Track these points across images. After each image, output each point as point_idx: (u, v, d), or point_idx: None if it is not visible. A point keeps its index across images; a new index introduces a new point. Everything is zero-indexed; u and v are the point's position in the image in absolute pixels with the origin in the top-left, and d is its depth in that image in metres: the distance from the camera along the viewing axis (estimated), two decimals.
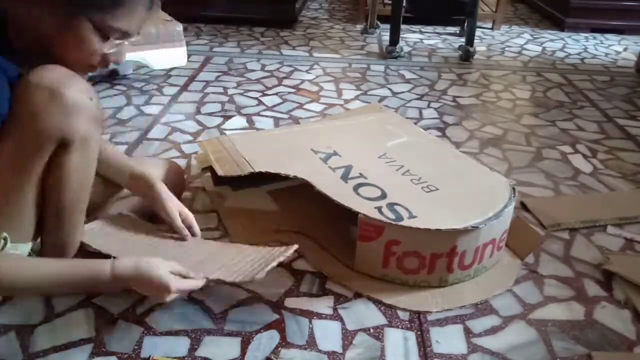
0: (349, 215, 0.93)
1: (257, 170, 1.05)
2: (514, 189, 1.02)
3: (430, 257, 0.92)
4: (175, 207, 0.94)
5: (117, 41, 0.74)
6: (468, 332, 0.87)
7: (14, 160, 0.71)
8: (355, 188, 1.01)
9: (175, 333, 0.85)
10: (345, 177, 1.05)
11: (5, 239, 0.73)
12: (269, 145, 1.20)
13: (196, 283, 0.81)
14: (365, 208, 0.93)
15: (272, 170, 1.05)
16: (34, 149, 0.71)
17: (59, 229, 0.80)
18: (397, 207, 0.95)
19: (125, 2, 0.70)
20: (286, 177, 1.04)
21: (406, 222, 0.91)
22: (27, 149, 0.70)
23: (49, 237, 0.81)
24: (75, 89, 0.70)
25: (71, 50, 0.71)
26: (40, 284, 0.75)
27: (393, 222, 0.90)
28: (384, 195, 0.99)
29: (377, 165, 1.11)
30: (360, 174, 1.06)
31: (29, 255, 0.79)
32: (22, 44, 0.70)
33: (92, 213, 0.93)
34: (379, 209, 0.94)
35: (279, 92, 1.88)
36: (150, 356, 0.80)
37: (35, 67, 0.70)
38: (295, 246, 0.90)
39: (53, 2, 0.66)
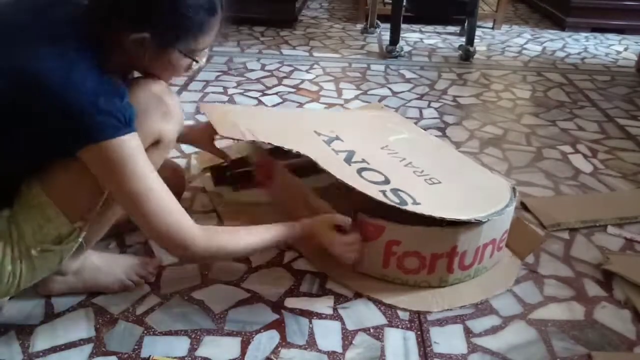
0: (349, 210, 0.92)
1: (259, 139, 1.02)
2: (514, 189, 1.02)
3: (431, 257, 0.92)
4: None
5: (203, 54, 0.83)
6: (468, 332, 0.87)
7: None
8: (359, 171, 0.99)
9: (175, 333, 0.85)
10: (348, 160, 1.03)
11: (80, 228, 0.78)
12: (272, 121, 1.17)
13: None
14: (369, 189, 0.92)
15: (275, 144, 1.01)
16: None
17: (97, 223, 0.83)
18: (400, 193, 0.93)
19: (206, 27, 0.77)
20: (289, 152, 0.99)
21: (410, 208, 0.89)
22: None
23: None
24: (174, 99, 0.82)
25: (163, 72, 0.81)
26: (251, 252, 0.90)
27: (394, 222, 0.90)
28: (387, 181, 0.97)
29: (380, 155, 1.09)
30: (363, 159, 1.04)
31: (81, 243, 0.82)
32: (118, 66, 0.77)
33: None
34: (384, 192, 0.92)
35: (279, 92, 1.88)
36: (150, 356, 0.80)
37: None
38: None
39: (143, 41, 0.72)
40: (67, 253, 0.79)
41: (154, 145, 0.80)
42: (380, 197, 0.91)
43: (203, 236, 0.78)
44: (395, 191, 0.94)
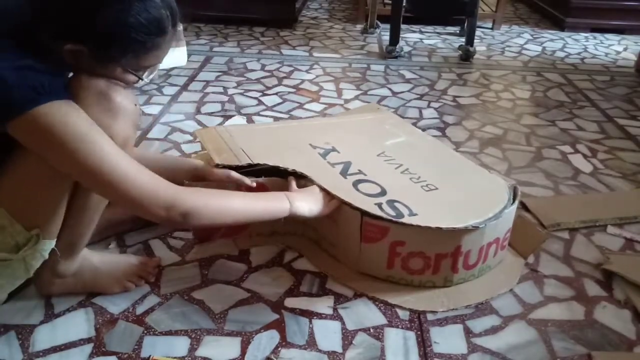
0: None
1: (255, 162, 1.04)
2: (516, 187, 1.02)
3: (435, 258, 0.92)
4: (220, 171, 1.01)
5: (152, 69, 0.78)
6: (468, 332, 0.87)
7: None
8: (355, 184, 1.01)
9: (175, 333, 0.85)
10: (344, 173, 1.04)
11: (37, 235, 0.75)
12: (266, 139, 1.17)
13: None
14: (365, 204, 0.93)
15: (271, 163, 1.03)
16: None
17: (76, 227, 0.82)
18: (397, 204, 0.95)
19: (152, 47, 0.72)
20: (285, 172, 1.02)
21: (407, 220, 0.91)
22: None
23: (64, 234, 0.82)
24: (122, 94, 0.74)
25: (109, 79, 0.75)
26: (244, 218, 0.85)
27: (398, 222, 0.90)
28: (383, 192, 0.99)
29: (376, 163, 1.10)
30: (360, 170, 1.06)
31: (52, 250, 0.80)
32: (59, 63, 0.72)
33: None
34: (379, 205, 0.94)
35: (279, 92, 1.88)
36: (150, 356, 0.80)
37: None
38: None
39: (80, 53, 0.68)
40: (33, 260, 0.78)
41: None
42: (376, 210, 0.92)
43: (187, 191, 0.72)
44: (391, 203, 0.95)
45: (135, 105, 0.77)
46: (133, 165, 0.70)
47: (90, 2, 0.67)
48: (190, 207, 0.73)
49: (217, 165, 1.03)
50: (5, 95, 0.64)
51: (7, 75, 0.64)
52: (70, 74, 0.75)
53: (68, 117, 0.66)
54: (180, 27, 1.89)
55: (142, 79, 0.76)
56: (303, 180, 1.00)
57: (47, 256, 0.80)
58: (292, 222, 1.07)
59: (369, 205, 0.93)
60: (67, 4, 0.67)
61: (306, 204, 0.90)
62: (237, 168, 1.02)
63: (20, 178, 0.72)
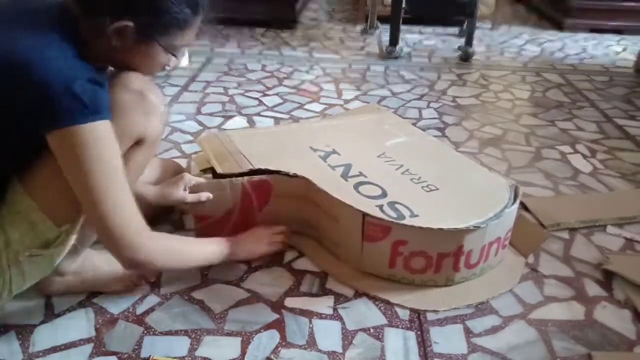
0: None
1: (256, 167, 1.05)
2: (517, 187, 1.02)
3: (437, 257, 0.92)
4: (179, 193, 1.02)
5: (180, 52, 0.80)
6: (468, 332, 0.87)
7: None
8: (356, 186, 1.01)
9: (175, 333, 0.85)
10: (345, 176, 1.05)
11: (67, 231, 0.77)
12: (267, 143, 1.19)
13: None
14: (366, 206, 0.93)
15: (272, 168, 1.04)
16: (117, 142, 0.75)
17: (86, 226, 0.82)
18: (398, 206, 0.95)
19: (188, 24, 0.75)
20: (286, 175, 1.04)
21: (408, 221, 0.91)
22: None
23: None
24: (156, 95, 0.79)
25: (143, 65, 0.78)
26: (185, 265, 0.90)
27: (400, 222, 0.90)
28: (384, 194, 0.99)
29: (377, 164, 1.10)
30: (360, 172, 1.06)
31: (74, 245, 0.82)
32: (96, 57, 0.74)
33: None
34: (380, 207, 0.94)
35: (279, 93, 1.88)
36: (150, 356, 0.80)
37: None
38: None
39: (125, 30, 0.70)
40: (58, 256, 0.79)
41: (137, 144, 0.79)
42: (377, 212, 0.92)
43: (154, 237, 0.76)
44: (392, 204, 0.95)
45: (165, 104, 0.81)
46: (124, 201, 0.72)
47: None
48: (145, 259, 0.76)
49: (219, 175, 1.04)
50: (60, 102, 0.65)
51: (72, 80, 0.65)
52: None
53: (103, 143, 0.69)
54: None
55: (176, 57, 0.79)
56: (303, 181, 1.01)
57: (67, 251, 0.80)
58: (295, 221, 1.07)
59: (370, 207, 0.94)
60: None
61: (242, 250, 0.95)
62: (239, 175, 1.03)
63: (51, 175, 0.73)
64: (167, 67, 0.80)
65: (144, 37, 0.73)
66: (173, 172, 1.09)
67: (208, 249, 0.90)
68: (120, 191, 0.72)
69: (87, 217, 0.75)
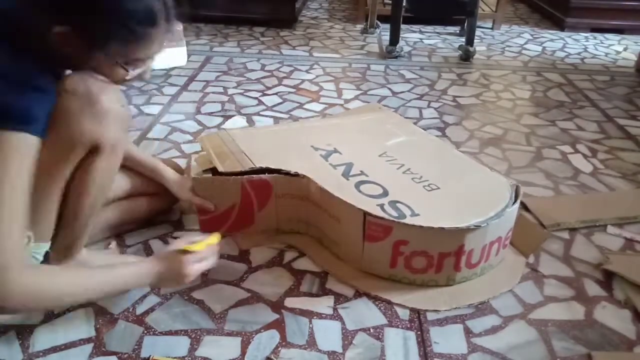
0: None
1: (257, 165, 1.05)
2: (518, 187, 1.02)
3: (438, 256, 0.92)
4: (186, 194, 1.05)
5: (142, 64, 0.75)
6: (468, 332, 0.87)
7: (46, 164, 0.71)
8: (357, 185, 1.01)
9: (175, 333, 0.85)
10: (346, 175, 1.05)
11: (29, 237, 0.75)
12: (269, 141, 1.19)
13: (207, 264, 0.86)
14: (367, 205, 0.93)
15: (273, 166, 1.04)
16: (66, 152, 0.72)
17: (71, 230, 0.82)
18: (399, 205, 0.95)
19: (142, 36, 0.69)
20: (287, 174, 1.04)
21: (409, 220, 0.91)
22: (60, 153, 0.71)
23: (60, 238, 0.82)
24: (109, 97, 0.72)
25: (98, 73, 0.73)
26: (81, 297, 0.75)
27: (401, 222, 0.90)
28: (385, 193, 0.99)
29: (378, 164, 1.10)
30: (361, 171, 1.06)
31: (46, 253, 0.81)
32: (45, 63, 0.70)
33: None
34: (381, 206, 0.94)
35: (279, 92, 1.88)
36: (150, 356, 0.80)
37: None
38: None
39: (67, 35, 0.66)
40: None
41: (93, 153, 0.73)
42: (378, 211, 0.92)
43: (23, 277, 0.64)
44: (393, 203, 0.95)
45: (123, 106, 0.75)
46: (7, 226, 0.63)
47: None
48: (17, 301, 0.65)
49: (221, 174, 1.04)
50: None
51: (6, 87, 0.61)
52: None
53: (11, 154, 0.62)
54: (180, 26, 1.89)
55: (128, 72, 0.73)
56: (305, 180, 1.01)
57: (41, 259, 0.80)
58: (295, 221, 1.08)
59: (371, 206, 0.93)
60: None
61: (161, 280, 0.81)
62: (240, 173, 1.03)
63: None
64: (128, 78, 0.75)
65: (89, 47, 0.68)
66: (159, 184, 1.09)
67: (116, 281, 0.76)
68: (7, 213, 0.63)
69: None
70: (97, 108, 0.71)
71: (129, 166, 1.02)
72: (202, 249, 0.84)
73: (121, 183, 1.02)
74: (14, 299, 0.64)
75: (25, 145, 0.64)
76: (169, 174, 1.07)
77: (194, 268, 0.83)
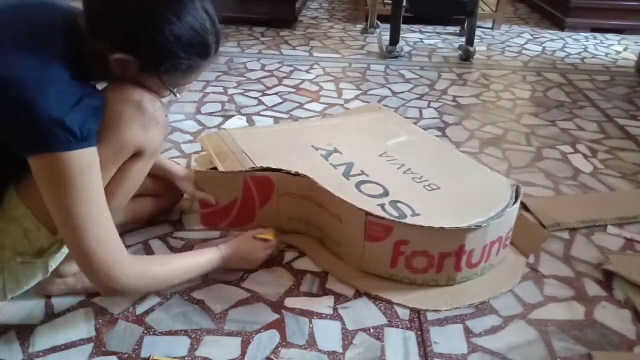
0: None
1: (258, 165, 1.05)
2: (518, 187, 1.02)
3: (439, 256, 0.92)
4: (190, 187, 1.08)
5: (184, 87, 0.80)
6: (468, 332, 0.87)
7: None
8: (357, 185, 1.01)
9: (175, 333, 0.85)
10: (347, 175, 1.05)
11: (60, 240, 0.76)
12: (269, 141, 1.19)
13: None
14: (368, 205, 0.93)
15: (274, 166, 1.04)
16: (114, 154, 0.75)
17: None
18: (399, 205, 0.95)
19: (195, 68, 0.75)
20: (288, 173, 1.04)
21: (409, 220, 0.91)
22: (108, 155, 0.73)
23: None
24: (156, 107, 0.77)
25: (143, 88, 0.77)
26: (165, 286, 0.89)
27: (402, 222, 0.90)
28: (386, 193, 0.99)
29: (378, 164, 1.10)
30: (362, 171, 1.06)
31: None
32: (96, 76, 0.75)
33: None
34: (382, 206, 0.94)
35: (279, 92, 1.88)
36: (150, 356, 0.80)
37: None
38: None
39: (126, 63, 0.70)
40: (53, 262, 0.79)
41: (135, 155, 0.78)
42: (379, 211, 0.92)
43: (131, 265, 0.75)
44: (394, 203, 0.95)
45: (166, 116, 0.81)
46: (103, 231, 0.72)
47: (154, 17, 0.68)
48: (122, 287, 0.75)
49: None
50: (43, 128, 0.64)
51: (51, 108, 0.64)
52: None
53: (84, 168, 0.68)
54: None
55: (176, 96, 0.80)
56: (306, 180, 1.01)
57: (64, 255, 0.81)
58: (296, 220, 1.08)
59: (371, 206, 0.94)
60: (131, 16, 0.68)
61: (233, 264, 0.95)
62: (241, 172, 1.04)
63: None
64: (163, 98, 0.80)
65: (145, 72, 0.73)
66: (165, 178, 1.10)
67: (195, 265, 0.88)
68: (99, 217, 0.71)
69: (66, 242, 0.74)
70: (146, 117, 0.75)
71: None
72: (273, 239, 1.00)
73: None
74: (127, 286, 0.76)
75: (95, 157, 0.69)
76: (175, 167, 1.08)
77: (265, 253, 0.98)
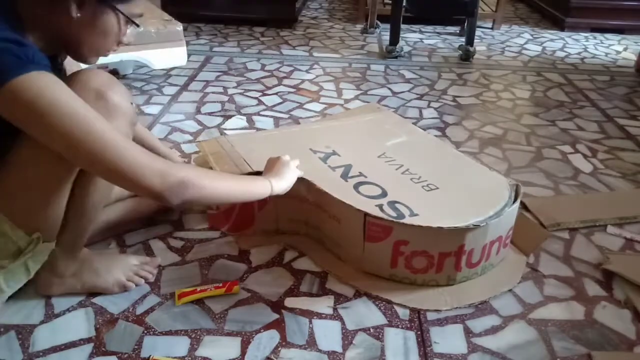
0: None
1: (255, 169, 1.05)
2: (518, 186, 1.02)
3: (439, 256, 0.92)
4: None
5: (131, 24, 0.76)
6: (468, 332, 0.87)
7: (54, 160, 0.70)
8: (356, 186, 1.01)
9: (175, 333, 0.85)
10: (345, 176, 1.05)
11: (38, 238, 0.75)
12: (267, 145, 1.19)
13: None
14: (366, 206, 0.94)
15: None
16: None
17: (75, 228, 0.83)
18: (398, 205, 0.95)
19: None
20: None
21: (408, 220, 0.91)
22: None
23: (64, 235, 0.82)
24: (119, 93, 0.74)
25: (94, 39, 0.73)
26: (232, 196, 0.83)
27: (401, 222, 0.90)
28: (384, 194, 0.99)
29: (377, 165, 1.11)
30: (360, 172, 1.06)
31: (51, 252, 0.81)
32: (37, 34, 0.70)
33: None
34: (380, 206, 0.94)
35: (279, 92, 1.88)
36: (150, 356, 0.80)
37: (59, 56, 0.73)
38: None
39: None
40: (34, 263, 0.78)
41: None
42: (377, 212, 0.92)
43: (178, 164, 0.74)
44: (392, 204, 0.96)
45: (131, 103, 0.78)
46: (122, 137, 0.67)
47: None
48: (184, 176, 0.69)
49: None
50: None
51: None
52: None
53: (54, 86, 0.62)
54: (180, 26, 1.89)
55: (138, 26, 0.74)
56: (304, 182, 1.01)
57: (46, 257, 0.80)
58: (295, 222, 1.08)
59: (370, 207, 0.94)
60: None
61: (283, 181, 0.91)
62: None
63: (17, 183, 0.72)
64: (122, 41, 0.75)
65: (104, 4, 0.69)
66: None
67: (246, 182, 0.85)
68: (110, 129, 0.65)
69: (99, 175, 0.69)
70: (107, 103, 0.72)
71: None
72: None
73: None
74: (193, 186, 0.70)
75: (53, 77, 0.64)
76: (176, 159, 1.10)
77: (292, 162, 0.95)
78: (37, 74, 0.62)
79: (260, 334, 0.85)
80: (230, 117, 1.66)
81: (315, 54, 2.34)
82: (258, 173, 1.03)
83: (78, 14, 0.68)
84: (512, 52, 2.53)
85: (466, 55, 2.32)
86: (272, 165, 0.94)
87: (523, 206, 1.22)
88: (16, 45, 0.62)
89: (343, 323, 0.88)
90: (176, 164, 0.75)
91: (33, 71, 0.62)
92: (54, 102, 0.62)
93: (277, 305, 0.91)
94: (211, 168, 1.09)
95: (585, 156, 1.51)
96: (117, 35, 0.74)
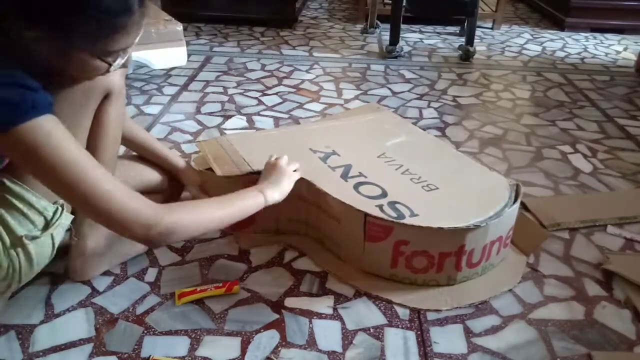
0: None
1: (255, 169, 1.05)
2: (518, 186, 1.02)
3: (439, 256, 0.92)
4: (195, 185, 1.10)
5: (123, 53, 0.74)
6: (468, 332, 0.87)
7: (68, 117, 0.74)
8: (356, 187, 1.01)
9: (175, 333, 0.85)
10: (345, 176, 1.05)
11: (62, 205, 0.78)
12: (267, 145, 1.19)
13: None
14: (366, 206, 0.94)
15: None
16: (85, 101, 0.78)
17: None
18: (398, 206, 0.95)
19: (119, 27, 0.67)
20: None
21: (408, 221, 0.91)
22: (79, 103, 0.78)
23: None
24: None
25: (79, 73, 0.76)
26: (224, 223, 0.85)
27: (401, 222, 0.90)
28: (384, 194, 0.99)
29: (377, 165, 1.11)
30: (360, 172, 1.06)
31: (69, 227, 0.83)
32: (31, 66, 0.69)
33: None
34: (380, 207, 0.94)
35: (279, 92, 1.88)
36: (150, 356, 0.80)
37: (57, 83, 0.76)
38: None
39: (48, 39, 0.65)
40: (58, 235, 0.79)
41: (106, 99, 0.82)
42: (377, 212, 0.92)
43: (164, 210, 0.71)
44: (392, 204, 0.95)
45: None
46: (116, 184, 0.69)
47: None
48: (169, 223, 0.71)
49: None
50: None
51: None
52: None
53: (51, 136, 0.64)
54: (180, 26, 1.89)
55: (111, 65, 0.71)
56: (304, 182, 1.01)
57: (68, 227, 0.82)
58: (295, 222, 1.08)
59: (370, 207, 0.94)
60: None
61: (277, 192, 0.91)
62: (239, 177, 1.04)
63: None
64: (112, 69, 0.73)
65: (66, 47, 0.66)
66: (167, 171, 1.11)
67: (237, 202, 0.85)
68: (105, 177, 0.68)
69: (90, 218, 0.75)
70: (99, 76, 0.77)
71: (145, 156, 1.06)
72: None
73: (150, 177, 1.06)
74: (177, 233, 0.73)
75: (58, 122, 0.66)
76: (182, 162, 1.10)
77: (290, 166, 0.97)
78: (38, 121, 0.64)
79: (260, 334, 0.85)
80: (230, 117, 1.66)
81: (315, 54, 2.34)
82: (258, 173, 1.04)
83: (40, 49, 0.66)
84: (512, 52, 2.53)
85: (466, 55, 2.32)
86: (269, 173, 0.96)
87: (523, 206, 1.22)
88: (14, 86, 0.63)
89: (343, 323, 0.88)
90: (164, 206, 0.72)
91: (34, 118, 0.63)
92: (53, 150, 0.65)
93: (277, 305, 0.91)
94: (211, 168, 1.09)
95: (585, 156, 1.51)
96: (99, 68, 0.72)
